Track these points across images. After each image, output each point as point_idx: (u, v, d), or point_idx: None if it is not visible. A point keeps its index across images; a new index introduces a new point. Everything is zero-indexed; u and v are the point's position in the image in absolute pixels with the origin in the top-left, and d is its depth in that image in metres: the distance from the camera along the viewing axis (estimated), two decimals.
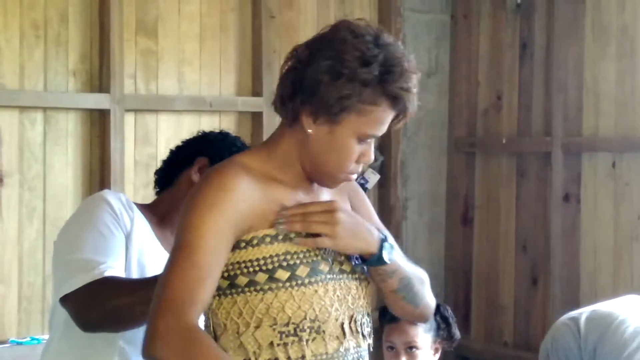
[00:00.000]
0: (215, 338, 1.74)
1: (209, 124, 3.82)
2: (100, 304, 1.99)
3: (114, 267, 2.02)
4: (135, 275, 2.10)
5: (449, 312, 2.91)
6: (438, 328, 2.86)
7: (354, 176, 1.79)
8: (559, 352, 2.96)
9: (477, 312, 4.26)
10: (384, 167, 4.22)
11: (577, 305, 3.77)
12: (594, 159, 3.85)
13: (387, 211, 4.24)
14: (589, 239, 3.86)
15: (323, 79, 1.69)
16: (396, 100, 1.72)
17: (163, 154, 3.66)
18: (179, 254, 1.68)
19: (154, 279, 2.00)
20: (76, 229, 2.10)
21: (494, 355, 4.19)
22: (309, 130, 1.73)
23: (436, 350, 2.87)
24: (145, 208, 2.20)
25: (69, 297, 2.01)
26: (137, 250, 2.11)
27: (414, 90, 1.73)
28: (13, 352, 3.35)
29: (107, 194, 2.15)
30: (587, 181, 3.87)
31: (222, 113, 3.83)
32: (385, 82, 1.70)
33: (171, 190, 2.21)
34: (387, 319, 2.90)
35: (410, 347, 2.80)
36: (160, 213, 2.20)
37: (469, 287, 4.34)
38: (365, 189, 4.16)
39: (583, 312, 3.01)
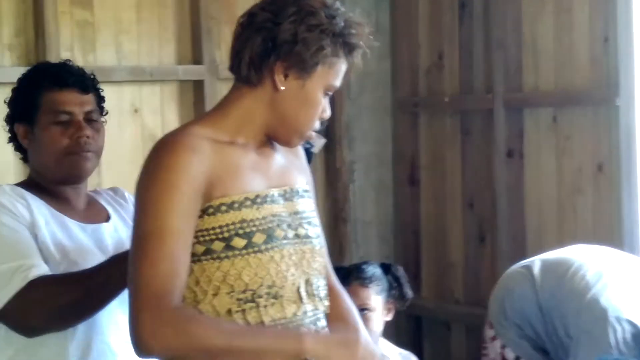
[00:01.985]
0: None
1: (150, 94, 3.78)
2: (40, 307, 1.93)
3: (37, 265, 1.95)
4: (58, 257, 2.02)
5: (400, 272, 2.94)
6: (390, 288, 2.89)
7: (313, 134, 1.83)
8: (514, 300, 3.00)
9: (427, 271, 4.30)
10: (329, 131, 4.22)
11: (525, 259, 3.82)
12: (535, 114, 3.88)
13: (334, 174, 4.24)
14: (533, 194, 3.90)
15: (299, 32, 1.73)
16: (351, 52, 1.79)
17: (105, 126, 3.66)
18: (147, 244, 1.66)
19: (89, 271, 1.97)
20: None
21: (446, 312, 4.24)
22: (282, 88, 1.75)
23: (389, 310, 2.90)
24: (28, 186, 2.11)
25: (3, 312, 1.93)
26: (48, 233, 2.02)
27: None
28: None
29: None
30: (530, 136, 3.91)
31: (163, 83, 3.79)
32: (347, 34, 1.76)
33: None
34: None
35: (363, 310, 2.83)
36: (36, 185, 2.11)
37: (418, 247, 4.37)
38: (311, 153, 4.15)
39: (535, 260, 3.06)
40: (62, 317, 1.96)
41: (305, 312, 1.79)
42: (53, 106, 2.06)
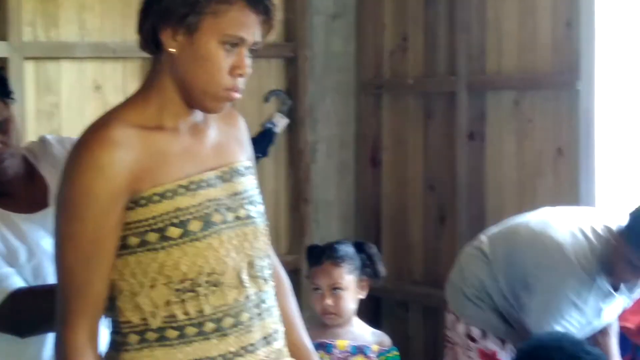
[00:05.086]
0: (112, 300, 1.71)
1: (112, 71, 3.75)
2: (26, 316, 1.96)
3: (9, 275, 1.96)
4: (20, 261, 2.02)
5: (373, 250, 2.97)
6: (363, 266, 2.92)
7: (237, 94, 1.71)
8: (468, 278, 3.08)
9: (387, 252, 4.32)
10: (292, 111, 4.22)
11: None
12: (497, 97, 3.91)
13: (296, 155, 4.25)
14: (494, 177, 3.93)
15: None
16: None
17: (66, 102, 3.64)
18: (63, 249, 1.66)
19: None
20: None
21: (405, 293, 4.27)
22: (172, 50, 1.66)
23: (363, 288, 2.93)
24: None
25: None
26: (1, 240, 2.01)
27: None
28: None
29: None
30: (491, 119, 3.94)
31: (126, 60, 3.76)
32: None
33: None
34: (312, 261, 2.94)
35: (335, 289, 2.85)
36: None
37: (379, 227, 4.40)
38: (273, 133, 4.16)
39: (481, 237, 3.16)
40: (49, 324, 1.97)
41: (247, 297, 1.73)
42: None
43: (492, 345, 3.03)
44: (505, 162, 3.88)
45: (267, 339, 1.77)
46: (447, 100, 4.06)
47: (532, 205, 3.75)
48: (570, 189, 3.62)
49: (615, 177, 3.54)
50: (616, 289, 2.92)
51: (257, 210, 1.80)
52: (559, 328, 2.83)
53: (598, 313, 2.93)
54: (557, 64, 3.68)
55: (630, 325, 3.20)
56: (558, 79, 3.68)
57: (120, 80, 3.77)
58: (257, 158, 4.04)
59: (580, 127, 3.56)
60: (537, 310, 2.88)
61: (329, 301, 2.85)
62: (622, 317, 3.21)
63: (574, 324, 2.86)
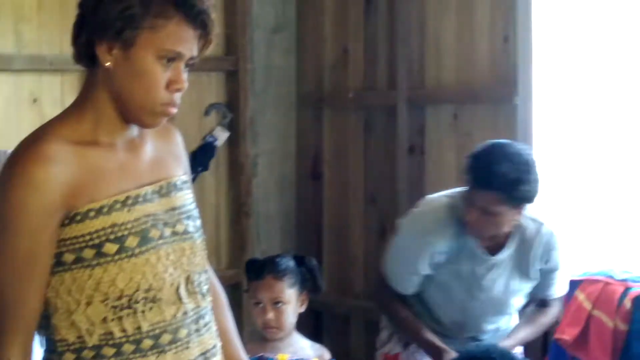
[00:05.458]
0: (47, 317, 1.68)
1: (50, 84, 3.70)
2: None
3: None
4: None
5: (313, 264, 2.97)
6: (304, 280, 2.92)
7: (174, 109, 1.69)
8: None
9: (328, 266, 4.32)
10: (233, 124, 4.20)
11: None
12: (436, 111, 3.94)
13: (237, 168, 4.23)
14: (434, 190, 3.93)
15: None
16: (188, 10, 1.64)
17: (2, 115, 3.58)
18: (1, 245, 1.62)
19: None
20: None
21: (346, 307, 4.27)
22: (107, 64, 1.63)
23: (303, 302, 2.93)
24: None
25: None
26: None
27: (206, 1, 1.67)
28: None
29: None
30: (431, 133, 3.96)
31: (64, 72, 3.71)
32: None
33: None
34: (252, 276, 2.93)
35: (277, 302, 2.84)
36: None
37: (320, 241, 4.40)
38: (214, 147, 4.14)
39: None
40: None
41: (185, 313, 1.72)
42: None
43: (396, 347, 3.09)
44: (445, 175, 3.91)
45: (205, 355, 1.76)
46: (387, 113, 4.08)
47: None
48: None
49: (552, 191, 3.59)
50: (493, 253, 2.94)
51: (194, 225, 1.78)
52: (401, 280, 3.01)
53: (473, 276, 2.95)
54: (495, 78, 3.72)
55: (566, 337, 3.23)
56: (496, 93, 3.72)
57: (58, 93, 3.72)
58: (198, 172, 4.02)
59: (518, 140, 3.60)
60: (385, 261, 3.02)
61: (270, 315, 2.84)
62: (558, 329, 3.24)
63: (414, 278, 2.99)
